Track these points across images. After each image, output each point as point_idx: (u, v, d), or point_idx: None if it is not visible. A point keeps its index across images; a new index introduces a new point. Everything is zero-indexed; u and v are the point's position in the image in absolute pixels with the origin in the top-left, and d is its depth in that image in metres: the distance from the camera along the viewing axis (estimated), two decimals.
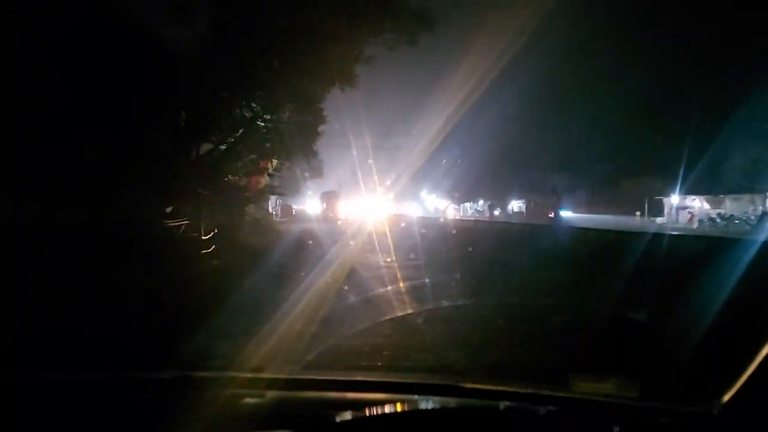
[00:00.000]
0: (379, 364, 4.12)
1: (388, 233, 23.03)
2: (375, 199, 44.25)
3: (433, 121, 38.58)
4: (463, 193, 61.42)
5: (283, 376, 2.30)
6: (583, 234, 24.70)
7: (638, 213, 38.69)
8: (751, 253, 9.22)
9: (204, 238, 15.85)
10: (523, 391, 2.06)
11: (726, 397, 1.43)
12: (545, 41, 31.84)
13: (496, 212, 58.81)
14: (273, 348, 4.89)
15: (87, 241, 11.31)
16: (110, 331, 5.93)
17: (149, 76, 13.23)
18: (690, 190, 35.76)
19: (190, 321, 6.20)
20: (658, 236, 19.53)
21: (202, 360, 2.61)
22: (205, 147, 17.26)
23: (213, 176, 17.31)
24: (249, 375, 2.27)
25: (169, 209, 15.54)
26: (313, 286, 8.72)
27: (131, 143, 13.07)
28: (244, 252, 15.74)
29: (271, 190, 23.24)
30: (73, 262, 10.48)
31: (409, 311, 7.40)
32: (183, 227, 15.57)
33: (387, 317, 6.73)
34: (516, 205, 58.48)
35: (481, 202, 63.48)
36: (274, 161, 20.74)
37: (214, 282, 10.43)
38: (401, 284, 9.98)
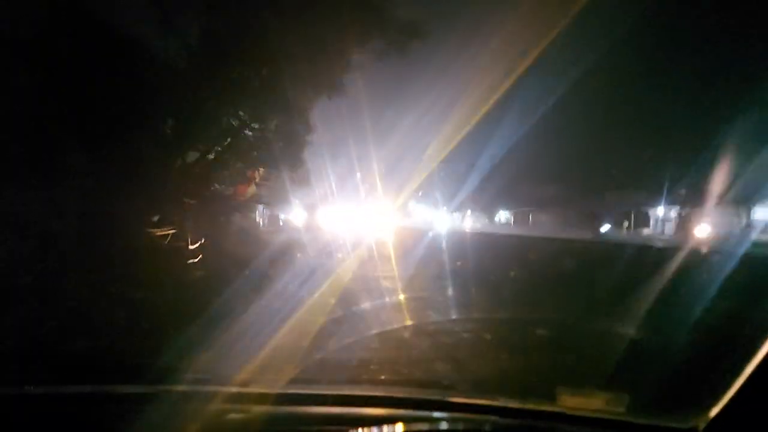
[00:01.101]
0: (366, 378, 4.09)
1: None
2: (374, 210, 44.25)
3: (431, 132, 38.84)
4: (451, 204, 61.59)
5: (269, 390, 2.28)
6: (568, 246, 24.83)
7: (626, 224, 39.03)
8: (738, 265, 9.30)
9: (190, 247, 15.74)
10: (510, 405, 2.05)
11: (713, 413, 1.43)
12: (543, 56, 32.09)
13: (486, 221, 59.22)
14: (259, 362, 4.86)
15: (71, 251, 11.20)
16: (92, 343, 5.87)
17: (135, 84, 13.17)
18: (674, 202, 36.18)
19: (174, 333, 6.14)
20: (644, 248, 19.69)
21: (187, 374, 2.56)
22: (192, 156, 17.17)
23: (200, 185, 17.22)
24: (235, 390, 2.24)
25: (155, 218, 15.45)
26: (300, 298, 8.68)
27: (117, 152, 12.99)
28: (230, 262, 15.63)
29: (258, 199, 23.18)
30: (56, 271, 10.37)
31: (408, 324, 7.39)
32: (169, 237, 15.46)
33: (374, 331, 6.70)
34: (503, 215, 59.04)
35: (468, 212, 63.76)
36: (262, 170, 20.69)
37: (199, 293, 10.34)
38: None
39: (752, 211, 32.95)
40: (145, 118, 14.01)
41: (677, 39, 27.00)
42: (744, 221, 32.71)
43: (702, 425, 1.47)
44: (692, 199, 35.41)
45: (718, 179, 30.98)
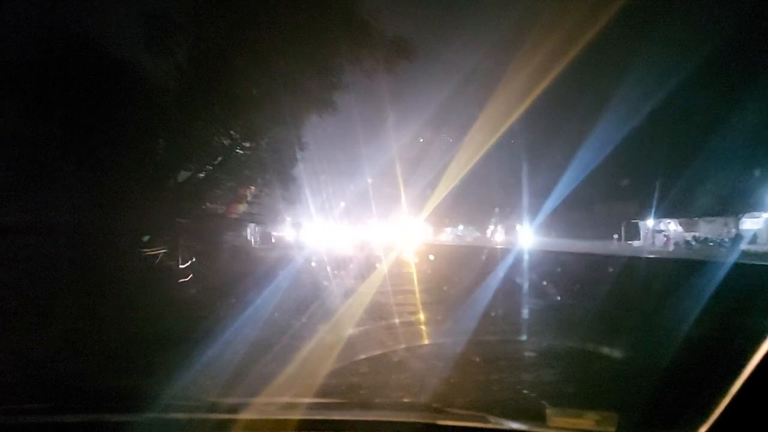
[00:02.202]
0: (356, 402, 4.07)
1: None
2: (368, 226, 44.45)
3: (422, 150, 39.09)
4: (439, 218, 61.53)
5: (258, 416, 2.26)
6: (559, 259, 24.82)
7: (616, 236, 39.14)
8: (727, 277, 9.35)
9: (181, 266, 15.67)
10: (500, 427, 2.04)
11: (703, 430, 1.44)
12: (527, 68, 32.44)
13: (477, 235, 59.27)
14: (247, 387, 4.83)
15: (61, 271, 11.14)
16: (81, 367, 5.81)
17: (125, 105, 13.19)
18: (664, 214, 36.35)
19: (164, 356, 6.09)
20: (635, 260, 19.74)
21: (176, 400, 2.55)
22: (184, 175, 17.15)
23: (191, 204, 17.18)
24: (224, 416, 2.23)
25: (146, 238, 15.38)
26: (290, 321, 8.63)
27: (107, 172, 12.97)
28: (221, 281, 15.59)
29: (249, 217, 23.11)
30: (46, 293, 10.30)
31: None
32: (160, 256, 15.40)
33: (364, 355, 6.66)
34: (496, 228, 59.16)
35: (461, 227, 63.77)
36: (253, 188, 20.67)
37: (190, 313, 10.27)
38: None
39: (741, 221, 33.17)
40: (135, 137, 14.01)
41: (666, 50, 27.31)
42: (733, 231, 32.91)
43: None
44: (681, 210, 35.65)
45: (707, 191, 31.24)
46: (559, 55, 29.85)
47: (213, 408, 2.42)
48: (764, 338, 1.23)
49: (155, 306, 10.77)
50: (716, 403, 1.38)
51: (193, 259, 16.39)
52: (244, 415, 2.25)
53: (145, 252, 15.00)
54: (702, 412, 1.44)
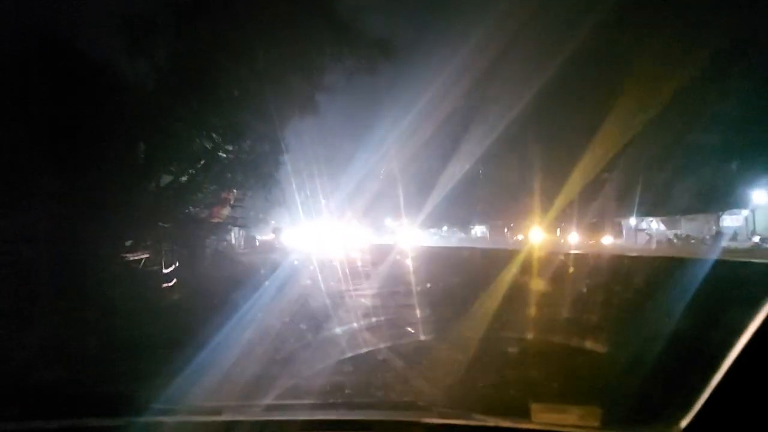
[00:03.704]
0: (341, 402, 4.05)
1: None
2: (348, 229, 44.37)
3: (404, 147, 39.15)
4: (422, 219, 61.59)
5: (242, 418, 2.24)
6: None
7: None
8: (708, 274, 9.43)
9: (165, 271, 15.54)
10: (485, 424, 2.04)
11: (684, 423, 1.44)
12: (506, 67, 32.68)
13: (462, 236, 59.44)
14: (232, 389, 4.79)
15: (42, 277, 10.99)
16: (62, 374, 5.73)
17: (105, 107, 13.05)
18: (647, 212, 36.73)
19: (146, 361, 6.03)
20: (617, 258, 19.84)
21: (158, 404, 2.51)
22: (166, 179, 17.02)
23: (173, 208, 17.05)
24: (207, 419, 2.21)
25: (128, 243, 15.24)
26: (274, 323, 8.59)
27: (88, 176, 12.82)
28: (205, 285, 15.49)
29: (233, 221, 22.99)
30: (26, 299, 10.16)
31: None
32: (143, 261, 15.26)
33: (348, 354, 6.66)
34: (480, 229, 59.43)
35: (445, 228, 63.92)
36: (236, 192, 20.56)
37: (174, 318, 10.18)
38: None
39: (721, 219, 33.60)
40: (115, 141, 13.86)
41: (642, 47, 27.60)
42: (714, 229, 33.34)
43: None
44: (663, 208, 36.05)
45: (688, 189, 31.60)
46: (536, 48, 30.11)
47: (195, 411, 2.40)
48: (743, 333, 1.24)
49: (138, 311, 10.65)
50: (697, 396, 1.39)
51: (177, 264, 16.27)
52: (227, 417, 2.23)
53: (128, 257, 14.87)
54: (684, 405, 1.45)
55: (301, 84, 16.37)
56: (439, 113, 36.74)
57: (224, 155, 17.74)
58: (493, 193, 45.62)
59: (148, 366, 5.68)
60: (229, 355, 5.95)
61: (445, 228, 63.93)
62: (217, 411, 2.37)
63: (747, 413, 1.31)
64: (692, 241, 33.02)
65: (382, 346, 7.30)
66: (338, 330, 8.73)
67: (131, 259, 14.89)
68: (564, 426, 1.96)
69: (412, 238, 54.61)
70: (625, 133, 31.63)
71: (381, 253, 28.39)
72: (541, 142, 36.59)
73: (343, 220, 46.19)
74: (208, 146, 17.34)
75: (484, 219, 55.71)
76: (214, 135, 17.12)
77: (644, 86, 27.96)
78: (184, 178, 17.46)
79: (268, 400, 3.98)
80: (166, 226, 16.33)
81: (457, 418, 2.12)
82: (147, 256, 15.36)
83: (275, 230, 42.56)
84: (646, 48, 27.18)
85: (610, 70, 29.03)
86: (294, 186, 27.83)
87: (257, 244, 41.98)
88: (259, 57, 15.13)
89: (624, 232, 39.14)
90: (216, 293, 11.92)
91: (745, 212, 31.25)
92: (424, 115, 35.50)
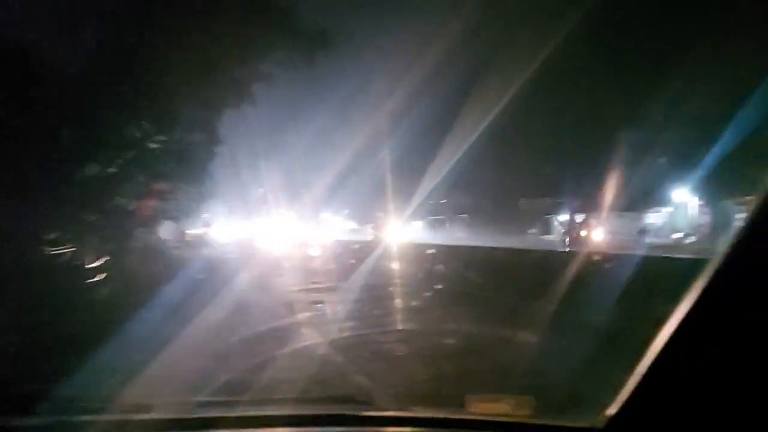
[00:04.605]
0: (278, 397, 3.99)
1: None
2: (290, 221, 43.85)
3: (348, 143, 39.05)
4: (362, 214, 61.62)
5: (173, 416, 2.16)
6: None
7: (533, 231, 40.72)
8: (634, 268, 9.84)
9: (91, 266, 14.95)
10: (421, 415, 2.05)
11: (611, 411, 1.47)
12: (452, 64, 33.09)
13: None
14: (163, 386, 4.65)
15: None
16: None
17: (27, 92, 12.42)
18: (578, 209, 38.14)
19: (69, 358, 5.76)
20: (547, 253, 20.47)
21: (82, 402, 2.40)
22: (92, 169, 16.35)
23: (100, 200, 16.40)
24: (136, 417, 2.11)
25: (51, 236, 14.59)
26: (207, 316, 8.39)
27: (6, 164, 12.18)
28: (133, 281, 14.99)
29: (163, 214, 22.32)
30: None
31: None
32: (68, 255, 14.64)
33: (285, 349, 6.60)
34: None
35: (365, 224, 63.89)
36: (167, 183, 19.99)
37: (99, 314, 9.82)
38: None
39: (646, 216, 35.15)
40: (37, 128, 13.20)
41: (578, 54, 28.46)
42: (639, 226, 34.84)
43: (602, 423, 1.51)
44: (591, 206, 37.45)
45: (615, 187, 32.91)
46: (473, 48, 30.57)
47: (119, 409, 2.29)
48: (666, 322, 1.28)
49: (62, 308, 10.22)
50: (624, 384, 1.42)
51: (103, 259, 15.68)
52: (157, 415, 2.15)
53: (51, 251, 14.23)
54: (611, 393, 1.48)
55: (237, 73, 16.05)
56: (379, 104, 36.85)
57: (155, 145, 17.21)
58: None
59: (70, 364, 5.43)
60: (157, 352, 5.75)
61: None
62: (147, 408, 2.27)
63: (669, 400, 1.35)
64: (619, 237, 34.43)
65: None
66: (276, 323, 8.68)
67: (54, 253, 14.26)
68: (498, 415, 1.99)
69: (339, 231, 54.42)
70: (554, 133, 32.69)
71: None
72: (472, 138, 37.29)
73: (289, 213, 45.71)
74: (138, 135, 16.78)
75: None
76: (144, 123, 16.57)
77: (574, 87, 28.89)
78: (111, 169, 16.82)
79: (199, 397, 3.87)
80: (91, 218, 15.70)
81: (394, 410, 2.12)
82: (72, 249, 14.74)
83: (207, 224, 41.65)
84: (574, 47, 28.02)
85: (536, 69, 29.78)
86: (232, 178, 27.37)
87: (190, 238, 40.94)
88: (193, 45, 14.72)
89: (553, 228, 40.47)
90: (145, 288, 11.56)
91: (667, 209, 32.78)
92: (368, 106, 35.56)
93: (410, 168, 45.05)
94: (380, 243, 32.80)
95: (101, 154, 16.33)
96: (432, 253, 20.89)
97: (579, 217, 33.11)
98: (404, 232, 40.24)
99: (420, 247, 25.23)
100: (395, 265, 19.21)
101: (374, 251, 24.80)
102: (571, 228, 36.54)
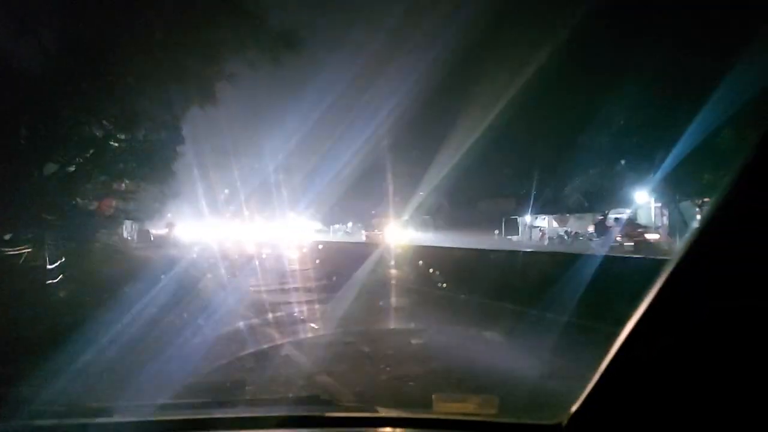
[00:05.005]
0: (241, 399, 3.95)
1: None
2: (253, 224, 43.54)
3: (304, 142, 38.88)
4: (328, 215, 61.42)
5: (135, 419, 2.12)
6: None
7: (497, 231, 41.20)
8: (595, 268, 10.02)
9: (49, 267, 14.55)
10: (387, 415, 2.06)
11: (574, 408, 1.50)
12: (410, 68, 33.29)
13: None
14: (123, 390, 4.56)
15: None
16: None
17: None
18: (540, 210, 38.82)
19: (24, 363, 5.60)
20: (511, 253, 20.69)
21: (41, 407, 2.34)
22: (51, 168, 15.93)
23: (59, 200, 15.99)
24: (95, 420, 2.07)
25: (7, 236, 14.17)
26: (169, 318, 8.27)
27: None
28: (93, 283, 14.66)
29: (125, 214, 21.89)
30: None
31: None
32: (24, 256, 14.23)
33: (250, 350, 6.54)
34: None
35: (350, 224, 63.88)
36: (129, 183, 19.60)
37: (58, 316, 9.56)
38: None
39: (607, 217, 35.80)
40: None
41: (532, 50, 28.89)
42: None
43: (566, 420, 1.54)
44: (554, 207, 38.16)
45: (577, 188, 33.54)
46: (447, 52, 30.78)
47: (83, 412, 2.24)
48: (627, 320, 1.31)
49: (18, 310, 9.91)
50: (587, 382, 1.45)
51: (63, 259, 15.29)
52: (117, 418, 2.11)
53: (6, 251, 13.82)
54: (574, 390, 1.51)
55: (202, 72, 15.81)
56: (346, 106, 36.88)
57: (116, 144, 16.86)
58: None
59: (29, 367, 5.28)
60: (117, 354, 5.64)
61: (350, 224, 63.82)
62: (108, 411, 2.23)
63: (631, 396, 1.39)
64: (580, 238, 35.03)
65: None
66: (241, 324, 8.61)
67: (10, 253, 13.85)
68: (464, 414, 2.02)
69: (314, 233, 54.19)
70: (519, 136, 33.11)
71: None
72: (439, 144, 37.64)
73: (246, 215, 45.33)
74: (98, 134, 16.42)
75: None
76: (105, 122, 16.21)
77: (536, 91, 29.30)
78: (71, 168, 16.43)
79: (161, 400, 3.81)
80: (50, 218, 15.29)
81: (361, 411, 2.12)
82: (28, 249, 14.33)
83: (169, 224, 41.01)
84: (535, 52, 28.45)
85: (504, 71, 30.13)
86: (195, 178, 26.97)
87: (152, 238, 40.25)
88: (156, 42, 14.45)
89: (520, 228, 41.02)
90: (105, 290, 11.32)
91: (628, 211, 33.47)
92: (335, 108, 35.52)
93: (378, 169, 45.25)
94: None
95: (60, 152, 15.93)
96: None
97: (545, 219, 33.59)
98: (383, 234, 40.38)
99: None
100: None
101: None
102: (543, 229, 37.12)
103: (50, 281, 13.91)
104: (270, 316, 9.49)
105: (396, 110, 36.25)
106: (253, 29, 15.50)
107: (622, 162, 30.63)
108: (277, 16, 16.45)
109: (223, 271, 18.11)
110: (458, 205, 46.45)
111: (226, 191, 40.81)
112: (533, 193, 36.81)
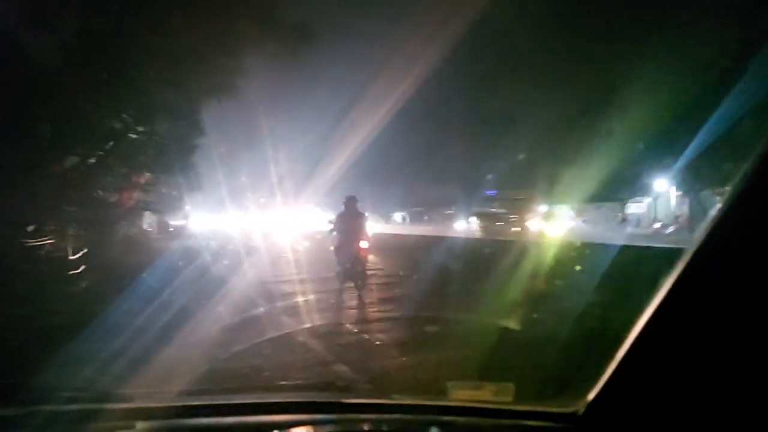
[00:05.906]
0: (259, 385, 3.99)
1: None
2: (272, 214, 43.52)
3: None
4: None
5: (155, 404, 2.16)
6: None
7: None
8: (615, 257, 9.95)
9: (71, 258, 14.77)
10: (402, 402, 2.07)
11: (590, 396, 1.51)
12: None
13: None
14: (144, 376, 4.62)
15: None
16: None
17: (5, 83, 12.20)
18: (558, 200, 38.45)
19: (50, 349, 5.71)
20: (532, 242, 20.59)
21: (64, 392, 2.39)
22: (72, 160, 16.13)
23: (80, 192, 16.21)
24: (118, 406, 2.11)
25: (30, 228, 14.39)
26: (188, 307, 8.34)
27: None
28: (115, 272, 14.82)
29: (145, 206, 22.11)
30: None
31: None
32: (46, 247, 14.46)
33: (266, 337, 6.60)
34: (399, 215, 59.86)
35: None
36: (149, 175, 19.78)
37: (80, 306, 9.70)
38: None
39: (626, 206, 35.45)
40: (15, 120, 12.99)
41: (552, 40, 28.55)
42: (620, 216, 35.14)
43: (582, 408, 1.54)
44: (573, 196, 37.72)
45: (596, 178, 33.14)
46: (452, 37, 30.44)
47: (108, 398, 2.28)
48: (644, 310, 1.31)
49: (42, 300, 10.09)
50: (603, 370, 1.45)
51: (85, 250, 15.51)
52: (140, 403, 2.15)
53: (29, 242, 14.04)
54: (591, 379, 1.51)
55: (221, 65, 15.90)
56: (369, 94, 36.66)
57: (136, 137, 17.02)
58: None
59: (55, 356, 5.38)
60: (140, 342, 5.72)
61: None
62: (129, 397, 2.27)
63: (647, 385, 1.39)
64: (600, 227, 34.74)
65: None
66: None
67: (33, 244, 14.07)
68: (479, 402, 2.02)
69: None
70: (538, 127, 32.80)
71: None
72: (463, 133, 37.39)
73: (263, 205, 45.40)
74: (118, 126, 16.57)
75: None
76: (124, 116, 16.36)
77: (558, 82, 28.97)
78: (91, 160, 16.62)
79: (181, 386, 3.86)
80: (71, 210, 15.52)
81: (376, 397, 2.13)
82: (51, 241, 14.55)
83: (187, 215, 41.26)
84: (557, 41, 28.09)
85: (523, 62, 29.83)
86: (216, 168, 27.09)
87: (171, 230, 40.57)
88: (175, 37, 14.54)
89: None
90: (127, 282, 11.46)
91: (647, 200, 33.12)
92: (354, 99, 35.37)
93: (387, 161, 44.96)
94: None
95: (80, 145, 16.12)
96: None
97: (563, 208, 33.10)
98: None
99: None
100: None
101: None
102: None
103: (72, 272, 14.11)
104: (275, 302, 9.53)
105: (400, 102, 36.01)
106: (272, 21, 15.54)
107: (642, 151, 30.23)
108: (295, 8, 16.45)
109: (240, 260, 18.18)
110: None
111: (243, 179, 40.69)
112: (552, 182, 36.41)
